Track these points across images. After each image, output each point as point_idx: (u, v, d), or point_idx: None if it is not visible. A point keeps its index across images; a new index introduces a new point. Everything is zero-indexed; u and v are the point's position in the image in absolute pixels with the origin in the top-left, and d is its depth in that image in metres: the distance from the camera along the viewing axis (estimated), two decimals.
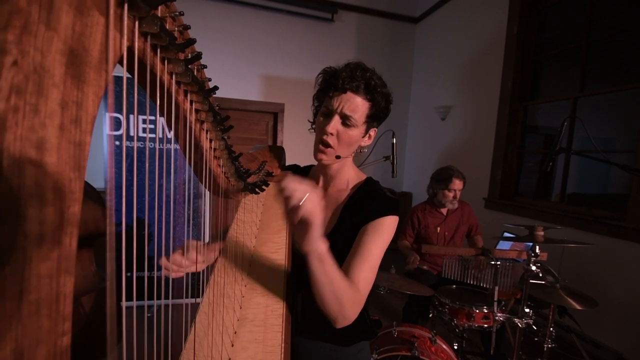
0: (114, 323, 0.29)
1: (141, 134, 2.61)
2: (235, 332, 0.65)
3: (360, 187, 0.88)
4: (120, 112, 2.46)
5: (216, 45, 3.90)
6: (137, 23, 0.29)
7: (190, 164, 0.55)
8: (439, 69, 4.20)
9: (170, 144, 2.50)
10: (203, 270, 0.77)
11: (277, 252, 0.84)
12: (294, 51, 4.22)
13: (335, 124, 0.79)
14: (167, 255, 0.71)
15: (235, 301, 0.71)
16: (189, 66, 0.40)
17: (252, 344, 0.63)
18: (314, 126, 0.91)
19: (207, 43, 3.82)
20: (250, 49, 4.06)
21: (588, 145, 2.73)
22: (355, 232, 0.78)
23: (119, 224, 0.29)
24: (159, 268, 0.70)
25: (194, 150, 0.53)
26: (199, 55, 0.41)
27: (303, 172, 1.03)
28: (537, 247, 1.49)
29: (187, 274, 0.75)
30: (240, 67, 4.05)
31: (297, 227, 0.59)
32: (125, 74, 0.29)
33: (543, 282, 1.64)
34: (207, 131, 0.55)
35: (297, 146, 3.60)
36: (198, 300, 0.70)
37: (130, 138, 2.61)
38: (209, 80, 0.48)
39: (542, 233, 1.50)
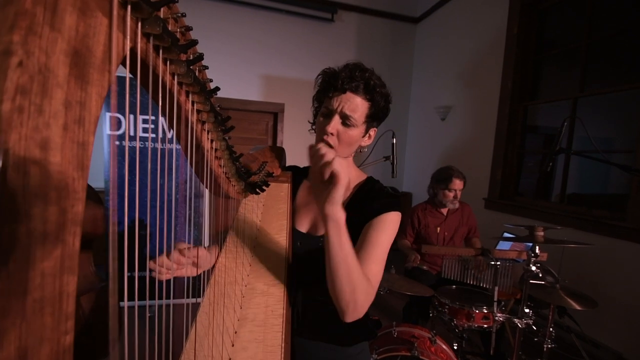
0: (116, 322, 0.29)
1: (142, 134, 2.62)
2: (236, 332, 0.65)
3: (362, 186, 0.88)
4: (120, 111, 2.46)
5: (216, 45, 3.90)
6: (139, 24, 0.29)
7: (191, 164, 0.55)
8: (439, 69, 4.20)
9: (171, 143, 2.50)
10: (203, 271, 0.77)
11: (277, 252, 0.84)
12: (293, 51, 4.22)
13: (335, 123, 0.79)
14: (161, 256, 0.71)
15: (236, 301, 0.72)
16: (191, 67, 0.40)
17: (252, 343, 0.63)
18: (313, 127, 0.91)
19: (207, 43, 3.82)
20: (250, 49, 4.06)
21: (588, 145, 2.73)
22: (359, 231, 0.79)
23: (118, 224, 0.29)
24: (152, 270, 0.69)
25: (195, 151, 0.54)
26: (200, 57, 0.41)
27: (303, 172, 1.03)
28: (537, 247, 1.49)
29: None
30: (240, 67, 4.05)
31: (323, 187, 0.64)
32: (128, 75, 0.29)
33: (543, 283, 1.64)
34: (208, 132, 0.55)
35: (297, 146, 3.60)
36: (199, 300, 0.70)
37: (131, 138, 2.62)
38: (211, 81, 0.49)
39: (542, 233, 1.50)
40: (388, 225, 0.77)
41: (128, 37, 0.28)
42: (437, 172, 2.41)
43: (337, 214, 0.63)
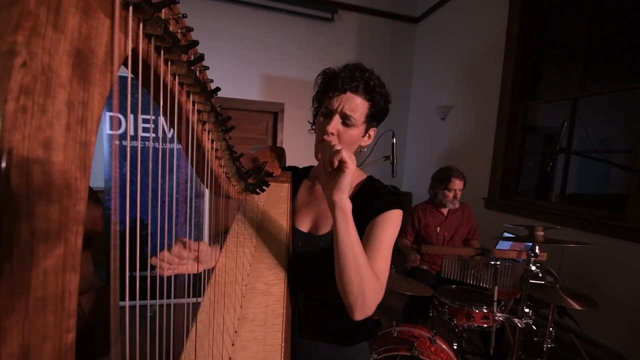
0: (118, 321, 0.30)
1: (143, 134, 2.62)
2: (236, 332, 0.65)
3: (363, 185, 0.89)
4: (120, 111, 2.46)
5: (216, 45, 3.91)
6: (141, 25, 0.30)
7: (192, 164, 0.55)
8: (439, 69, 4.20)
9: (172, 143, 2.50)
10: (204, 270, 0.77)
11: (277, 252, 0.84)
12: (294, 51, 4.22)
13: (335, 123, 0.80)
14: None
15: (236, 300, 0.72)
16: (192, 67, 0.40)
17: (253, 343, 0.63)
18: (313, 127, 0.92)
19: (207, 43, 3.83)
20: (250, 49, 4.06)
21: (588, 145, 2.73)
22: (361, 230, 0.79)
23: (115, 223, 0.30)
24: (154, 268, 0.70)
25: (195, 151, 0.54)
26: (201, 57, 0.41)
27: (303, 173, 1.04)
28: (537, 247, 1.50)
29: (188, 274, 0.75)
30: (240, 66, 4.05)
31: (330, 177, 0.68)
32: (129, 75, 0.30)
33: (543, 282, 1.64)
34: (209, 132, 0.56)
35: (297, 146, 3.61)
36: (199, 299, 0.70)
37: (131, 138, 2.62)
38: (211, 81, 0.49)
39: (541, 233, 1.50)
40: (391, 223, 0.78)
41: (130, 38, 0.28)
42: (437, 172, 2.41)
43: (345, 202, 0.66)
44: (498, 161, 3.26)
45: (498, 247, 2.44)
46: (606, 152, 2.60)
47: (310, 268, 0.84)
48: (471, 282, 1.83)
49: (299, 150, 3.26)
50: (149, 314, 0.86)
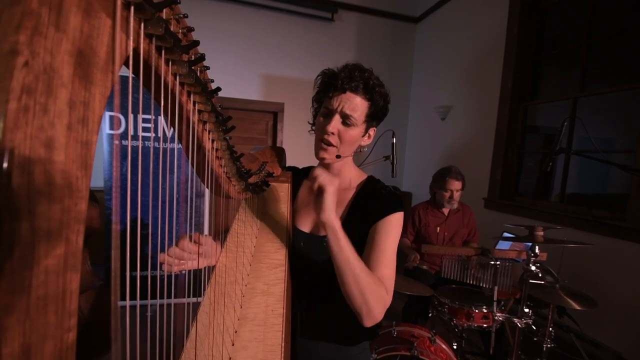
0: (118, 320, 0.30)
1: (143, 134, 2.62)
2: (236, 331, 0.65)
3: (364, 186, 0.89)
4: (121, 111, 2.46)
5: (216, 44, 3.91)
6: (142, 25, 0.30)
7: (192, 164, 0.55)
8: (439, 68, 4.20)
9: (172, 143, 2.50)
10: (204, 269, 0.77)
11: (277, 252, 0.84)
12: (294, 51, 4.22)
13: (335, 123, 0.80)
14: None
15: (236, 300, 0.72)
16: (193, 67, 0.40)
17: (253, 343, 0.63)
18: (313, 127, 0.92)
19: (207, 43, 3.81)
20: (250, 49, 4.06)
21: (588, 145, 2.73)
22: (363, 231, 0.79)
23: (116, 223, 0.30)
24: (158, 267, 0.70)
25: (196, 151, 0.54)
26: (202, 57, 0.41)
27: (302, 173, 1.04)
28: (537, 247, 1.50)
29: (188, 273, 0.75)
30: (240, 66, 4.05)
31: (317, 198, 0.72)
32: (130, 75, 0.30)
33: (542, 282, 1.64)
34: (209, 132, 0.56)
35: (297, 146, 3.60)
36: (199, 299, 0.70)
37: (131, 137, 2.62)
38: (212, 81, 0.49)
39: (541, 233, 1.51)
40: (393, 227, 0.79)
41: (131, 37, 0.28)
42: (437, 172, 2.42)
43: (332, 221, 0.69)
44: (498, 161, 3.26)
45: (498, 247, 2.44)
46: (606, 152, 2.60)
47: (313, 268, 0.84)
48: (471, 282, 1.83)
49: (299, 150, 3.26)
50: (149, 314, 0.86)
